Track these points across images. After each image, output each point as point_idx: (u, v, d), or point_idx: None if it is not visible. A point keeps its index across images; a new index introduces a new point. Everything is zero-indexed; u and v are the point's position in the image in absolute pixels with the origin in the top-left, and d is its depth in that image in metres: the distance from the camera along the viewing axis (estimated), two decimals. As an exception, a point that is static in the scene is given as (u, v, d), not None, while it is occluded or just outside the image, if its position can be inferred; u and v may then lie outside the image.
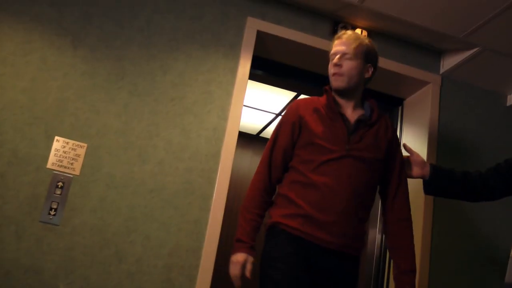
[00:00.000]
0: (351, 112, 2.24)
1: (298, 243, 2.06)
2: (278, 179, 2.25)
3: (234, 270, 2.10)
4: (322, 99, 2.29)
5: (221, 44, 2.98)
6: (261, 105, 5.03)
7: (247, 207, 2.20)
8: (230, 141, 2.80)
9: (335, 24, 3.17)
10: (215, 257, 2.62)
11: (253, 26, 3.04)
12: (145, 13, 2.90)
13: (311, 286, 2.04)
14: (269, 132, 5.65)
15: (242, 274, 2.09)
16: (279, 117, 4.58)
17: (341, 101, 2.26)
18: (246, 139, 5.92)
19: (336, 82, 2.23)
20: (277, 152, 2.25)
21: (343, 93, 2.25)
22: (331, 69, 2.25)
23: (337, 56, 2.23)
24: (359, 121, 2.21)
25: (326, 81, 2.37)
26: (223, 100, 2.88)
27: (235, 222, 4.21)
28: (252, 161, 5.84)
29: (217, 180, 2.74)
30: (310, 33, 3.12)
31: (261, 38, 3.07)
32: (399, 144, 2.37)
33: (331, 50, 2.31)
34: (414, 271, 2.17)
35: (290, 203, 2.12)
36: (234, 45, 3.00)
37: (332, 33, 3.06)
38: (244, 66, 2.96)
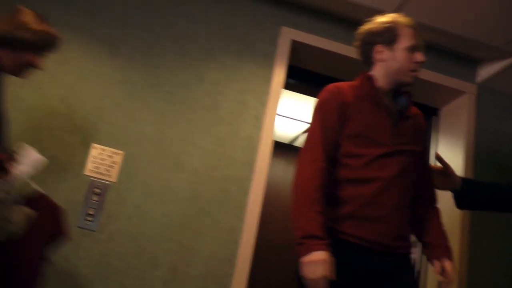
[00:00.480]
0: (389, 104, 2.10)
1: (349, 250, 1.90)
2: (329, 171, 1.96)
3: (317, 271, 1.74)
4: (363, 87, 2.10)
5: (256, 54, 3.00)
6: (295, 114, 5.03)
7: (313, 199, 1.85)
8: (264, 150, 2.81)
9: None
10: (250, 266, 2.62)
11: (287, 35, 3.05)
12: (180, 22, 2.94)
13: None
14: (302, 141, 5.64)
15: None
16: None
17: (384, 92, 2.11)
18: (279, 147, 5.92)
19: (413, 79, 2.09)
20: (329, 137, 1.98)
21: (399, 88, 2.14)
22: (416, 66, 2.08)
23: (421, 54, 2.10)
24: (399, 112, 2.09)
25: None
26: (258, 109, 2.89)
27: (269, 230, 4.19)
28: (286, 170, 5.82)
29: (251, 188, 2.74)
30: (344, 43, 3.10)
31: (296, 47, 3.08)
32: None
33: (406, 36, 2.07)
34: (450, 248, 2.05)
35: (340, 203, 1.95)
36: (269, 54, 3.01)
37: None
38: (279, 75, 2.96)
